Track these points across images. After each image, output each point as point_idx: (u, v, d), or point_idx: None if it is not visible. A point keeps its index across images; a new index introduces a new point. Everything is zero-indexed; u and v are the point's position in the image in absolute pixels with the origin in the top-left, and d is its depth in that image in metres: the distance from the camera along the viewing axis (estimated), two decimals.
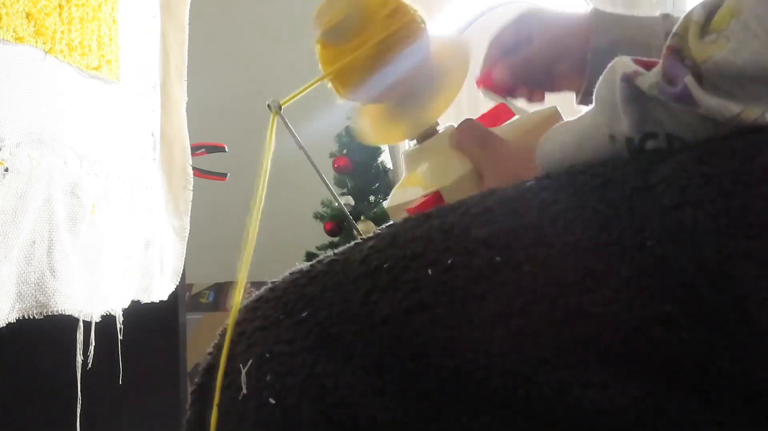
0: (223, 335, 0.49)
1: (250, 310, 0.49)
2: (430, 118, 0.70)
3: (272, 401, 0.43)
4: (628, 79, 0.46)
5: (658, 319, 0.40)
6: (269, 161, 0.69)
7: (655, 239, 0.41)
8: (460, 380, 0.42)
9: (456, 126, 0.68)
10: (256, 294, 0.50)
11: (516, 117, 0.71)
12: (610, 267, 0.41)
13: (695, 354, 0.39)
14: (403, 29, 0.67)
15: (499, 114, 0.72)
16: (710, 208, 0.40)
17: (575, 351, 0.41)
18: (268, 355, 0.45)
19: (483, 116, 0.72)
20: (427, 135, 0.70)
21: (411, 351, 0.43)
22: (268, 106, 0.70)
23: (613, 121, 0.47)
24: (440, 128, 0.71)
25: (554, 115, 0.67)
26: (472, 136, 0.66)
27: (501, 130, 0.67)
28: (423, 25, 0.69)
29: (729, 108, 0.42)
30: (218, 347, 0.49)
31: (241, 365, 0.45)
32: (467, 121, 0.67)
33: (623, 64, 0.46)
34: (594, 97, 0.50)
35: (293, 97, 0.69)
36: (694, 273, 0.40)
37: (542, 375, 0.40)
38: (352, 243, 0.50)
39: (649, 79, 0.45)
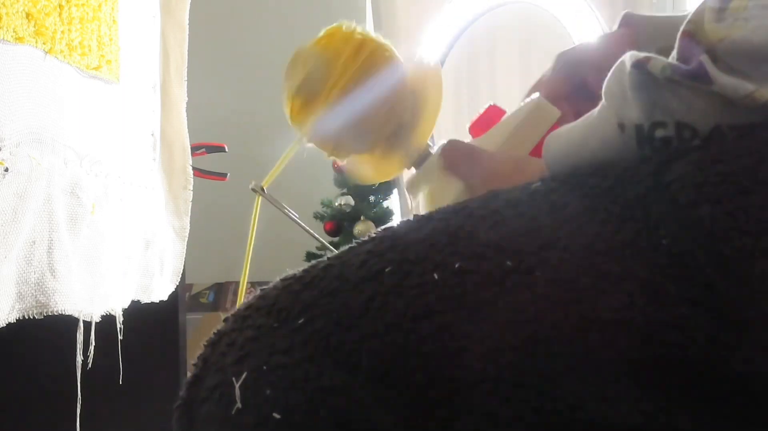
0: (208, 346, 0.47)
1: (240, 319, 0.47)
2: (419, 143, 0.69)
3: (277, 416, 0.41)
4: (640, 65, 0.45)
5: (673, 323, 0.39)
6: (253, 238, 0.70)
7: (671, 238, 0.40)
8: (469, 391, 0.40)
9: (442, 147, 0.67)
10: (244, 302, 0.48)
11: (506, 115, 0.70)
12: (625, 269, 0.40)
13: (710, 357, 0.38)
14: (368, 65, 0.66)
15: (491, 116, 0.71)
16: (728, 205, 0.39)
17: (589, 360, 0.39)
18: (265, 368, 0.42)
19: (475, 122, 0.72)
20: (422, 159, 0.69)
21: (418, 362, 0.41)
22: (252, 189, 0.70)
23: (622, 110, 0.47)
24: (434, 149, 0.70)
25: (539, 106, 0.67)
26: (458, 155, 0.64)
27: (492, 134, 0.67)
28: (389, 54, 0.67)
29: (744, 86, 0.42)
30: (203, 358, 0.46)
31: (234, 378, 0.43)
32: (450, 142, 0.66)
33: (632, 55, 0.46)
34: (603, 92, 0.49)
35: (272, 175, 0.69)
36: (712, 271, 0.39)
37: (555, 388, 0.39)
38: (347, 247, 0.48)
39: (660, 62, 0.44)
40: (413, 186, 0.70)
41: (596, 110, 0.50)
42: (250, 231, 0.68)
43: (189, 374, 0.46)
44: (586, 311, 0.40)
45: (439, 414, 0.40)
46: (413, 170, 0.71)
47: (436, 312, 0.42)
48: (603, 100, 0.49)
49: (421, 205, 0.68)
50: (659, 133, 0.45)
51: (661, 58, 0.44)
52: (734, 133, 0.43)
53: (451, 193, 0.64)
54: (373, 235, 0.48)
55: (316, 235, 0.78)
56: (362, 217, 2.38)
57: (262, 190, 0.70)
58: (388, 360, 0.41)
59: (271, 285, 0.48)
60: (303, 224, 0.76)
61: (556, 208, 0.44)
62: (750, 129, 0.43)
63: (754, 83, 0.42)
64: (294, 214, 0.75)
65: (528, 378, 0.40)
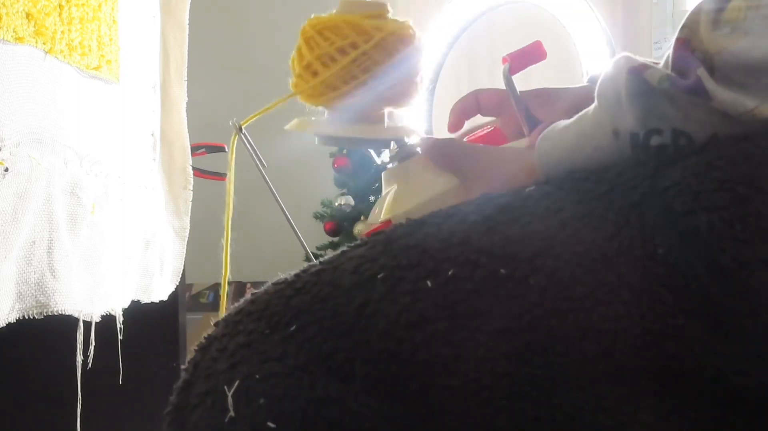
0: (199, 350, 0.46)
1: (231, 324, 0.46)
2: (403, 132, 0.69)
3: (271, 425, 0.40)
4: (636, 73, 0.44)
5: (670, 334, 0.38)
6: (233, 175, 0.70)
7: (667, 246, 0.40)
8: (465, 400, 0.40)
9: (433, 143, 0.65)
10: (234, 306, 0.47)
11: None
12: (620, 278, 0.40)
13: (708, 368, 0.38)
14: (386, 41, 0.66)
15: (492, 141, 0.69)
16: (725, 213, 0.39)
17: (586, 370, 0.39)
18: (257, 376, 0.42)
19: (474, 141, 0.70)
20: (405, 154, 0.68)
21: (412, 370, 0.40)
22: (231, 124, 0.70)
23: (617, 117, 0.46)
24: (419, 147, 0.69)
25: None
26: (455, 148, 0.63)
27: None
28: (410, 36, 0.68)
29: (744, 103, 0.41)
30: (194, 363, 0.45)
31: (225, 386, 0.42)
32: (447, 139, 0.65)
33: (628, 59, 0.46)
34: (596, 95, 0.48)
35: (254, 117, 0.69)
36: (708, 281, 0.38)
37: (552, 397, 0.39)
38: (339, 251, 0.48)
39: (658, 72, 0.44)
40: (388, 179, 0.69)
41: (590, 112, 0.49)
42: (228, 177, 0.68)
43: (180, 379, 0.46)
44: (582, 320, 0.39)
45: (435, 424, 0.40)
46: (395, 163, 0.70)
47: (429, 320, 0.41)
48: (596, 102, 0.48)
49: (386, 202, 0.66)
50: (655, 140, 0.44)
51: (659, 68, 0.44)
52: (730, 139, 0.43)
53: (437, 187, 0.63)
54: (366, 239, 0.47)
55: (285, 211, 0.78)
56: (362, 217, 2.37)
57: (240, 128, 0.70)
58: (381, 368, 0.41)
59: (262, 289, 0.47)
60: (274, 191, 0.76)
61: (549, 213, 0.44)
62: (746, 135, 0.42)
63: (754, 98, 0.41)
64: (264, 163, 0.76)
65: (524, 386, 0.39)
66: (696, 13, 0.44)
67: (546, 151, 0.52)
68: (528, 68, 0.71)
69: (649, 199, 0.42)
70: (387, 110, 0.70)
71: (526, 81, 0.72)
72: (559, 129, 0.52)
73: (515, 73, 0.67)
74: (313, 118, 0.71)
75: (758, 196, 0.39)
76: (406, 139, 0.69)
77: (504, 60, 0.68)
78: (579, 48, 2.07)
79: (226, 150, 1.72)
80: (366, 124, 0.69)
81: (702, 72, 0.42)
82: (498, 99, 0.69)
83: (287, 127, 0.70)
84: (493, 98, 0.69)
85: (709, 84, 0.42)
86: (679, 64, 0.43)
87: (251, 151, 0.74)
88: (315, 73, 0.67)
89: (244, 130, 0.72)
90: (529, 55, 0.68)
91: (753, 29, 0.41)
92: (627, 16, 2.38)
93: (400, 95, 0.69)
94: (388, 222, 0.63)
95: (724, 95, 0.41)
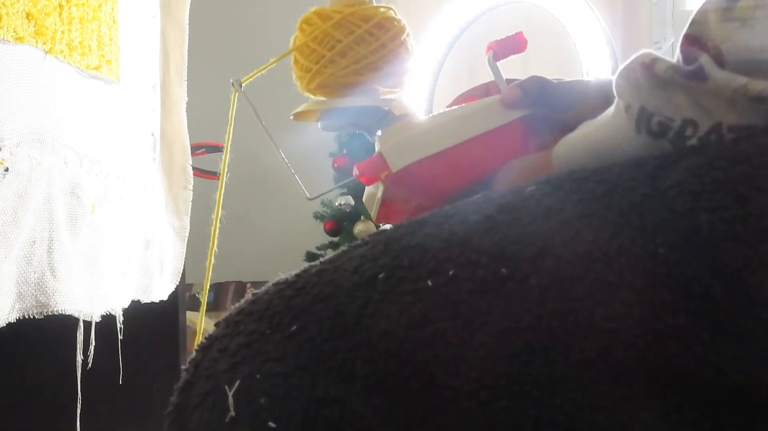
0: (200, 351, 0.46)
1: (231, 324, 0.46)
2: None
3: (273, 425, 0.40)
4: (647, 68, 0.45)
5: (671, 333, 0.38)
6: (231, 136, 0.73)
7: (668, 246, 0.40)
8: (466, 400, 0.40)
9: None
10: (235, 307, 0.47)
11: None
12: (621, 278, 0.40)
13: (709, 368, 0.38)
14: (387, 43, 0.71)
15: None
16: (726, 213, 0.39)
17: (586, 369, 0.39)
18: (258, 376, 0.42)
19: None
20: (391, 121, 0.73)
21: (412, 370, 0.41)
22: (232, 83, 0.73)
23: (626, 94, 0.47)
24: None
25: None
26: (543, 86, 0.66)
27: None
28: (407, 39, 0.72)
29: (736, 79, 0.42)
30: (195, 364, 0.46)
31: (226, 386, 0.42)
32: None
33: (644, 54, 0.47)
34: (615, 91, 0.49)
35: (255, 74, 0.73)
36: (709, 281, 0.39)
37: (553, 397, 0.39)
38: (340, 250, 0.48)
39: (665, 63, 0.45)
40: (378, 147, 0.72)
41: (611, 109, 0.51)
42: (227, 131, 0.70)
43: (180, 379, 0.46)
44: (582, 320, 0.39)
45: (435, 424, 0.40)
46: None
47: (430, 320, 0.41)
48: (616, 97, 0.49)
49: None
50: (657, 117, 0.45)
51: (667, 59, 0.45)
52: (732, 135, 0.43)
53: (421, 125, 0.67)
54: (367, 239, 0.48)
55: (293, 172, 0.80)
56: (362, 217, 2.37)
57: (240, 85, 0.73)
58: (382, 368, 0.41)
59: (263, 289, 0.47)
60: (275, 143, 0.79)
61: (551, 213, 0.44)
62: (748, 133, 0.42)
63: (746, 77, 0.42)
64: (266, 123, 0.79)
65: (525, 386, 0.39)
66: (704, 9, 0.45)
67: (562, 150, 0.53)
68: (528, 68, 0.73)
69: (649, 199, 0.42)
70: (385, 91, 0.74)
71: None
72: (586, 124, 0.53)
73: (499, 60, 0.71)
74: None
75: (759, 195, 0.39)
76: (394, 112, 0.72)
77: (489, 47, 0.72)
78: (579, 48, 2.07)
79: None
80: (352, 96, 0.72)
81: (705, 59, 0.43)
82: None
83: (294, 112, 0.74)
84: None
85: (708, 67, 0.43)
86: (686, 55, 0.44)
87: (251, 107, 0.76)
88: (297, 63, 0.72)
89: (243, 87, 0.75)
90: (511, 45, 0.72)
91: (757, 23, 0.42)
92: (627, 16, 2.38)
93: (376, 69, 0.72)
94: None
95: (718, 75, 0.42)
